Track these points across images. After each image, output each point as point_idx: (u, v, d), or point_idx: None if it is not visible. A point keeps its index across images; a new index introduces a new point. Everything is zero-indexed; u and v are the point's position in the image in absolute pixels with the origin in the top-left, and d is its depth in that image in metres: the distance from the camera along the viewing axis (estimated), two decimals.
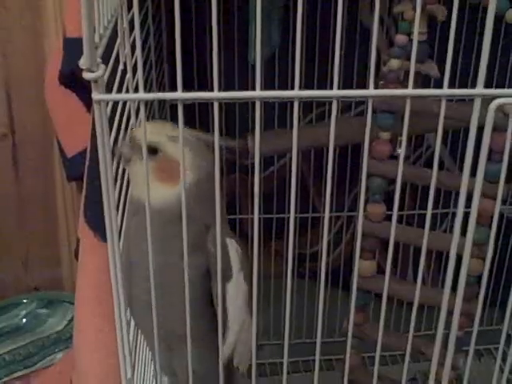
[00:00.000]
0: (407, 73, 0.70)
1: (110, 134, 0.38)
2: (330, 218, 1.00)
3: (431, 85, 0.68)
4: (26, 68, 1.05)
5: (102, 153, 0.33)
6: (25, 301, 1.17)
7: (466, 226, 0.46)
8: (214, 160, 0.40)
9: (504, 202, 0.95)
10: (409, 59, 0.69)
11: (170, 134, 0.45)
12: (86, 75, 0.32)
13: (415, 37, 0.41)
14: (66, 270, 1.21)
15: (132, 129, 0.47)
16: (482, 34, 0.38)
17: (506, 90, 0.35)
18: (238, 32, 0.84)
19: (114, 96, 0.35)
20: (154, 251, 0.41)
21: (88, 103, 0.84)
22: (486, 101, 0.37)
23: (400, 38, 0.65)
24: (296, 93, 0.33)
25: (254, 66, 0.76)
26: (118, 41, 0.44)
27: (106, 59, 0.39)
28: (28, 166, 1.12)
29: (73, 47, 0.81)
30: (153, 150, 0.44)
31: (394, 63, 0.66)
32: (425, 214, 0.96)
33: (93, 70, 0.32)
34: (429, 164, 0.88)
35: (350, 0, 0.86)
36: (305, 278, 1.01)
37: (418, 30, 0.45)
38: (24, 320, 1.15)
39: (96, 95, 0.32)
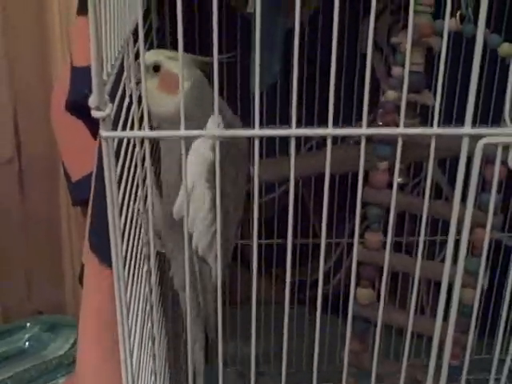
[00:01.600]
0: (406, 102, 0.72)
1: (117, 165, 0.39)
2: (330, 244, 1.02)
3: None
4: (32, 93, 1.08)
5: (109, 187, 0.35)
6: (28, 324, 1.17)
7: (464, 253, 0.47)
8: (200, 71, 0.57)
9: (502, 229, 0.96)
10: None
11: (169, 55, 0.57)
12: (95, 114, 0.33)
13: (406, 70, 0.43)
14: (69, 293, 1.22)
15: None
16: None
17: (492, 130, 0.37)
18: (241, 61, 0.85)
19: (120, 133, 0.37)
20: (172, 152, 0.55)
21: (94, 130, 0.86)
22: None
23: (396, 70, 0.67)
24: (292, 131, 0.35)
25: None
26: (125, 75, 0.46)
27: (112, 93, 0.41)
28: (34, 189, 1.14)
29: (80, 76, 0.83)
30: (156, 68, 0.56)
31: (391, 94, 0.68)
32: (425, 241, 0.97)
33: (101, 109, 0.33)
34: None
35: (351, 28, 0.88)
36: (305, 305, 1.02)
37: (408, 63, 0.46)
38: (27, 344, 1.15)
39: (104, 133, 0.34)
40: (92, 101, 0.33)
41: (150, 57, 0.55)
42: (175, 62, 0.56)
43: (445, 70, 0.42)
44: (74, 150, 0.94)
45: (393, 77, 0.68)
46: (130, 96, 0.49)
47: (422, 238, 0.47)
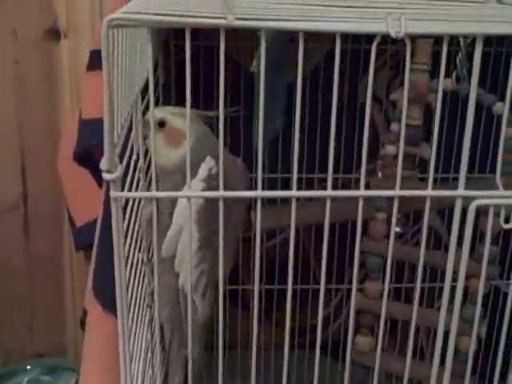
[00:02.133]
0: (404, 155, 0.74)
1: (123, 221, 0.41)
2: (330, 290, 1.03)
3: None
4: (40, 142, 1.11)
5: (117, 243, 0.36)
6: (28, 367, 1.17)
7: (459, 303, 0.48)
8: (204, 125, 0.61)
9: (501, 276, 0.97)
10: (405, 143, 0.73)
11: (173, 111, 0.61)
12: (106, 176, 0.35)
13: (402, 133, 0.45)
14: (69, 337, 1.22)
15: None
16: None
17: (484, 192, 0.38)
18: (244, 111, 0.88)
19: (128, 194, 0.38)
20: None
21: (99, 179, 0.88)
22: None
23: (395, 126, 0.69)
24: (292, 193, 0.37)
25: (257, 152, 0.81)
26: (133, 133, 0.48)
27: (121, 152, 0.43)
28: (38, 235, 1.15)
29: (88, 128, 0.86)
30: (161, 123, 0.59)
31: (389, 149, 0.70)
32: (424, 288, 0.97)
33: (112, 171, 0.35)
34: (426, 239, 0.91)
35: (352, 78, 0.91)
36: (305, 349, 1.02)
37: (404, 121, 0.48)
38: None
39: (113, 193, 0.36)
40: (103, 164, 0.35)
41: (156, 114, 0.58)
42: (179, 118, 0.60)
43: (441, 129, 0.44)
44: (79, 197, 0.96)
45: (391, 132, 0.70)
46: (138, 153, 0.51)
47: (418, 287, 0.48)
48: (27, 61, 1.07)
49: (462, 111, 0.83)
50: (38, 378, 1.17)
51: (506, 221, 0.41)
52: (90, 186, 0.90)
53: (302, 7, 0.40)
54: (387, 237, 0.70)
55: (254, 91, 0.75)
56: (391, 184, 0.67)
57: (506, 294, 0.98)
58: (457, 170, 0.94)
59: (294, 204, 0.38)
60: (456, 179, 0.95)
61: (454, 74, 0.66)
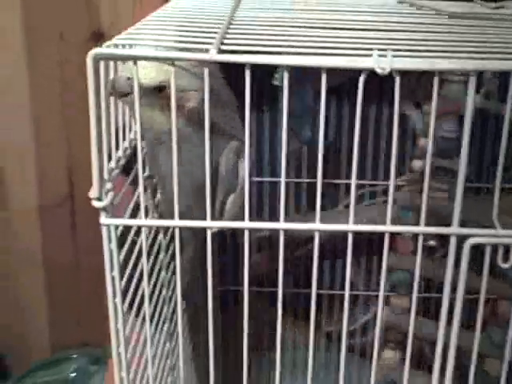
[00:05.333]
0: (437, 168, 0.72)
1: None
2: (369, 296, 1.01)
3: None
4: (85, 142, 1.14)
5: (109, 273, 0.37)
6: (75, 356, 1.20)
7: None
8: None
9: None
10: (435, 155, 0.71)
11: (169, 69, 0.45)
12: (95, 204, 0.36)
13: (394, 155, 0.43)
14: None
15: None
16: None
17: (479, 230, 0.37)
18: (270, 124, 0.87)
19: (120, 221, 0.38)
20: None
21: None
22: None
23: (422, 141, 0.68)
24: (281, 225, 0.37)
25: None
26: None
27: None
28: (85, 230, 1.19)
29: None
30: (162, 88, 0.48)
31: (417, 164, 0.68)
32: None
33: (101, 199, 0.36)
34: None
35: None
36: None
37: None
38: (73, 375, 1.18)
39: (104, 220, 0.36)
40: (92, 192, 0.36)
41: (155, 78, 0.48)
42: (180, 79, 0.46)
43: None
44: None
45: (418, 147, 0.68)
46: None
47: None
48: (72, 62, 1.10)
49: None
50: (84, 366, 1.19)
51: None
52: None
53: (294, 32, 0.40)
54: (413, 252, 0.68)
55: (278, 102, 0.74)
56: (417, 201, 0.65)
57: None
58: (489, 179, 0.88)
59: (281, 237, 0.38)
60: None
61: (482, 91, 0.64)
